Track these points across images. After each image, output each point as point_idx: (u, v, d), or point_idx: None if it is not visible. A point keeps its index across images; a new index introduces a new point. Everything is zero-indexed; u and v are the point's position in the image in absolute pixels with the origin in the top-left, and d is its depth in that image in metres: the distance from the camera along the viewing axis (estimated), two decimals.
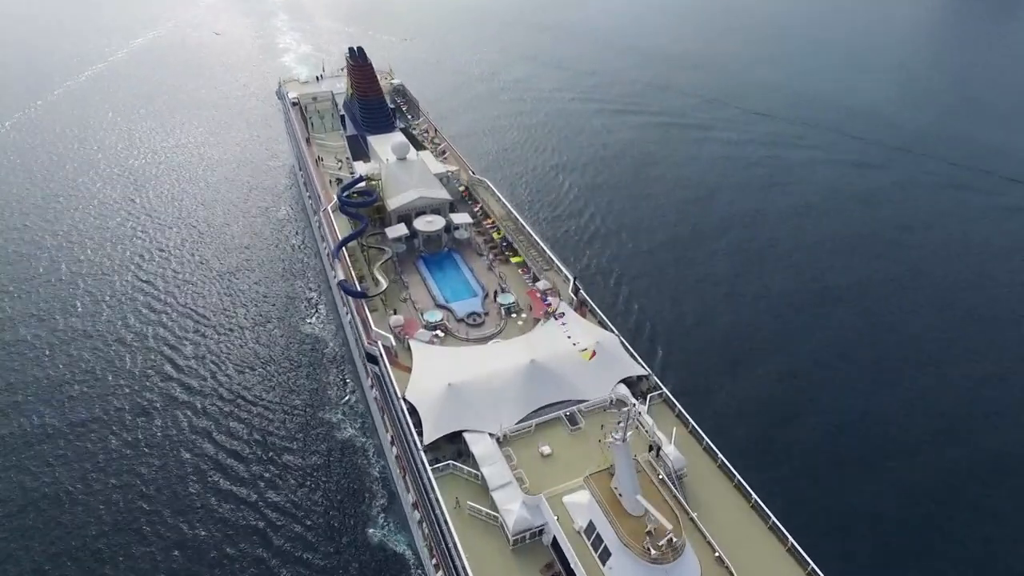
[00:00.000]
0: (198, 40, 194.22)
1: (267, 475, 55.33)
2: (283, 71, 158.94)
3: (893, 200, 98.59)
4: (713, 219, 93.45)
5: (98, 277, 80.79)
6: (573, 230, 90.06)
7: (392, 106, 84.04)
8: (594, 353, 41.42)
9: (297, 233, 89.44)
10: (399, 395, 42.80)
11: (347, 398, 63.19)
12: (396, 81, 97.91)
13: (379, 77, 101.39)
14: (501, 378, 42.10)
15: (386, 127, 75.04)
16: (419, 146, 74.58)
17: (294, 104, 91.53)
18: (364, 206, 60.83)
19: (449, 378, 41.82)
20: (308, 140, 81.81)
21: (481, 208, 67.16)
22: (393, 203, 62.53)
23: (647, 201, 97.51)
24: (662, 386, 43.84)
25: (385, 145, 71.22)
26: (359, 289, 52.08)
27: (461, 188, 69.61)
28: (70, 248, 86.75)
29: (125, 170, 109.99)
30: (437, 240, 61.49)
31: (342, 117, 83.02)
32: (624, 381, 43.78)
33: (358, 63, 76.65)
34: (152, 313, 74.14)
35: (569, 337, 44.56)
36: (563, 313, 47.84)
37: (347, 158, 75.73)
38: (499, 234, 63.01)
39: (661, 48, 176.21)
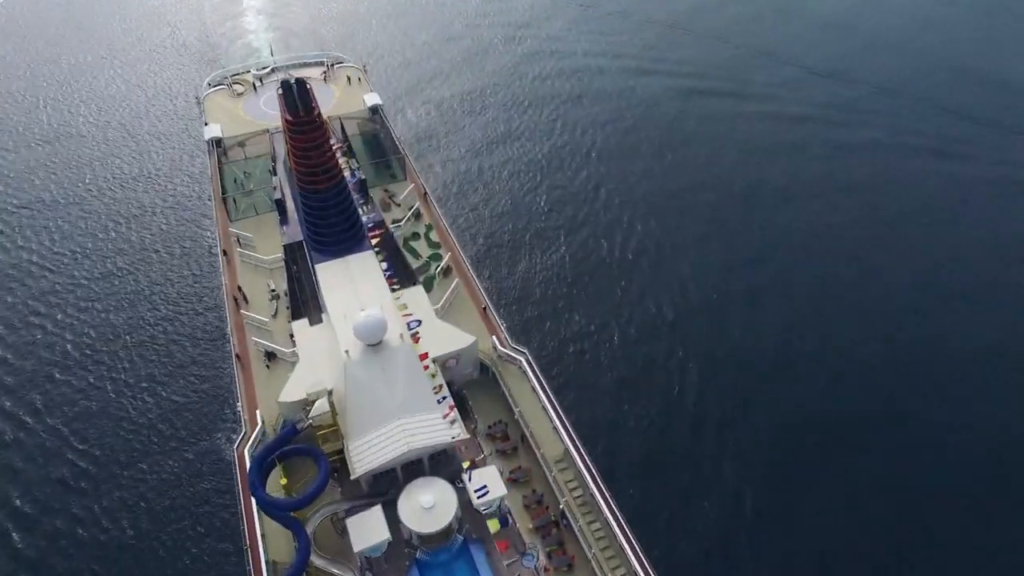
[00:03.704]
0: None
1: None
2: (226, 20, 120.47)
3: None
4: None
5: None
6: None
7: (360, 176, 52.03)
8: None
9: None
10: None
11: None
12: (371, 99, 64.36)
13: (344, 91, 68.64)
14: None
15: (350, 244, 44.52)
16: (402, 277, 44.65)
17: (215, 144, 59.21)
18: (301, 506, 32.70)
19: None
20: (226, 251, 49.90)
21: (517, 418, 39.07)
22: (360, 459, 34.15)
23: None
24: None
25: (346, 287, 41.43)
26: None
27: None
28: None
29: None
30: (444, 532, 34.34)
31: (278, 202, 51.77)
32: None
33: (299, 118, 44.18)
34: None
35: None
36: None
37: (284, 296, 45.89)
38: (557, 516, 35.78)
39: None
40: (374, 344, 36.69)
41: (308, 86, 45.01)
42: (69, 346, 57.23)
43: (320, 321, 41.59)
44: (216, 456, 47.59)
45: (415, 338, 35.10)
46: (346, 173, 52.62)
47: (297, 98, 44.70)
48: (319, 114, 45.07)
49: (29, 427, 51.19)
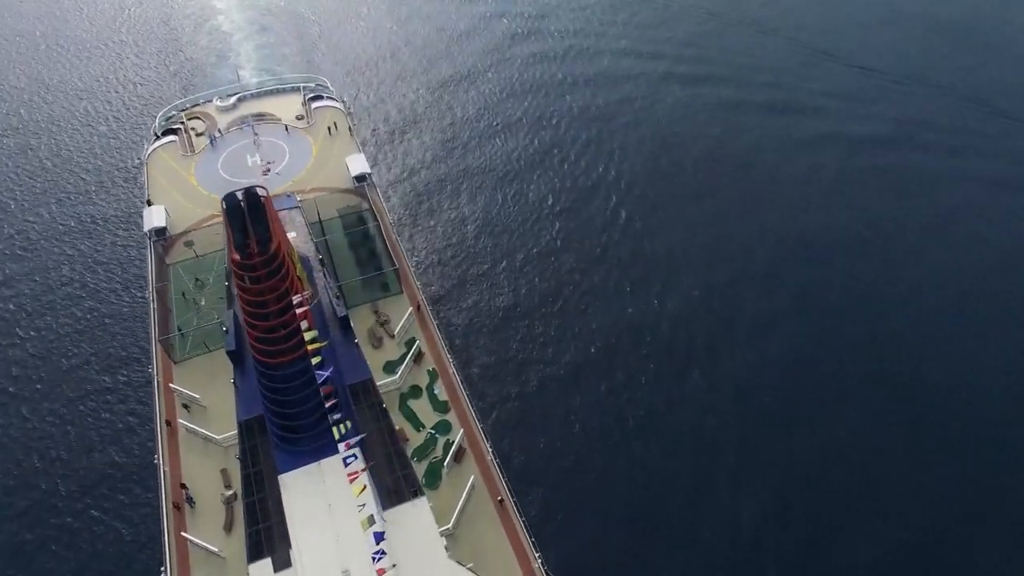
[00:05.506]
0: None
1: None
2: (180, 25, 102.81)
3: None
4: None
5: None
6: None
7: (342, 303, 39.29)
8: None
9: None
10: None
11: None
12: (356, 164, 50.66)
13: (323, 146, 55.30)
14: None
15: (328, 441, 32.48)
16: (398, 484, 33.04)
17: (157, 237, 46.44)
18: None
19: None
20: (170, 422, 37.56)
21: None
22: None
23: None
24: None
25: (320, 519, 29.59)
26: None
27: None
28: None
29: None
30: None
31: (231, 353, 37.67)
32: None
33: (250, 259, 30.18)
34: None
35: None
36: None
37: (240, 499, 34.06)
38: None
39: None
40: None
41: (263, 198, 31.98)
42: None
43: (288, 564, 30.41)
44: None
45: None
46: (322, 297, 40.51)
47: (249, 224, 31.81)
48: (279, 246, 32.56)
49: None
